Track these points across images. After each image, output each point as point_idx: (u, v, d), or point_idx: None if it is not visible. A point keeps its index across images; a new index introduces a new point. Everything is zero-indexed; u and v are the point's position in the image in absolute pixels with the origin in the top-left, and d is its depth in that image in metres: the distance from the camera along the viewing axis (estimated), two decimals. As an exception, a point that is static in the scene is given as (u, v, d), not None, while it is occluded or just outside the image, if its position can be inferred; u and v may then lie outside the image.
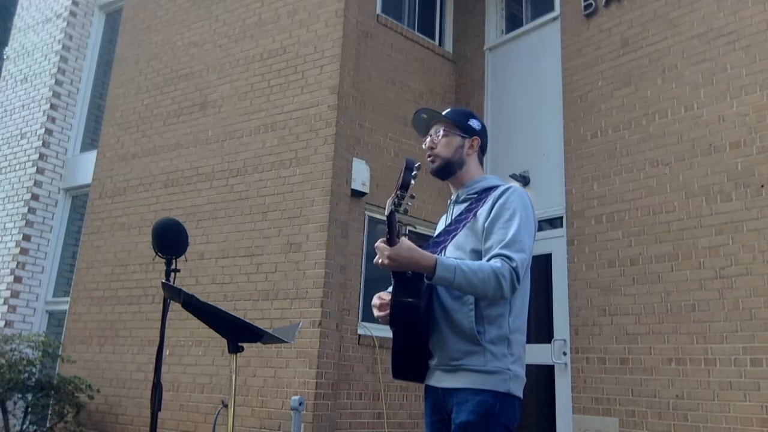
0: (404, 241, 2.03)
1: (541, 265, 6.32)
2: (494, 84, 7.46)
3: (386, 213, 2.01)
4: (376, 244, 2.06)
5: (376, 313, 2.23)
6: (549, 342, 6.08)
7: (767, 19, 5.24)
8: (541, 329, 6.28)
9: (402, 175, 1.96)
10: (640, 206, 5.67)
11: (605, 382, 5.57)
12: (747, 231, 5.00)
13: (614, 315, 5.64)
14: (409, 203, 1.99)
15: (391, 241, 2.01)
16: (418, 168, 1.98)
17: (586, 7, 6.54)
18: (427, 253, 2.03)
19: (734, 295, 4.96)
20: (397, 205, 1.98)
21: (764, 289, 4.82)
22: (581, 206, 6.12)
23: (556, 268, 6.24)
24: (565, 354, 5.94)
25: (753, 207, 5.00)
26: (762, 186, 4.99)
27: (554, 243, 6.32)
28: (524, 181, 6.71)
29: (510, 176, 6.66)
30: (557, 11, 6.93)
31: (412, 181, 1.96)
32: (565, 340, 5.97)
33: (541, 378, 6.09)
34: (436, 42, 7.82)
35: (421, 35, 7.50)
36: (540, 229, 6.38)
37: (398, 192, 1.97)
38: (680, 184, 5.46)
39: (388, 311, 2.16)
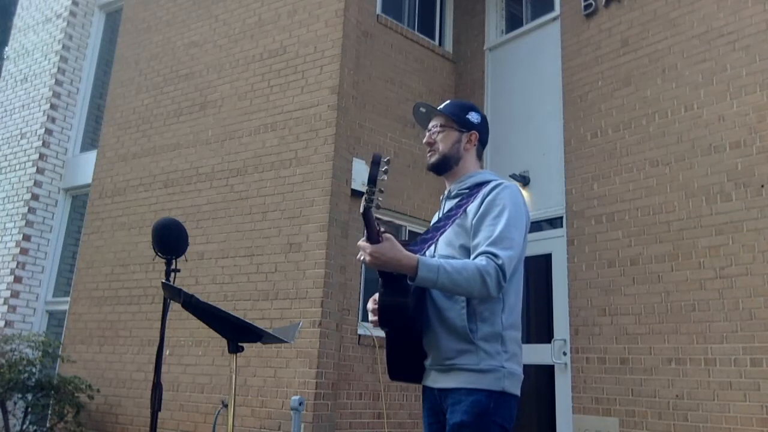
0: (388, 239, 1.98)
1: (541, 265, 6.33)
2: (494, 84, 7.45)
3: (360, 210, 1.95)
4: (358, 243, 2.02)
5: (370, 317, 2.19)
6: (549, 342, 6.08)
7: (767, 19, 5.25)
8: (541, 329, 6.28)
9: (369, 170, 1.93)
10: (640, 206, 5.67)
11: (605, 382, 5.57)
12: (747, 231, 5.00)
13: (614, 315, 5.64)
14: (380, 198, 1.95)
15: (371, 238, 1.96)
16: (387, 162, 1.95)
17: (586, 7, 6.53)
18: (409, 254, 1.97)
19: (734, 295, 4.96)
20: (368, 201, 1.93)
21: (764, 289, 4.82)
22: (581, 206, 6.12)
23: (556, 268, 6.24)
24: (565, 354, 5.94)
25: (753, 207, 5.00)
26: (762, 186, 4.99)
27: (554, 243, 6.32)
28: (524, 181, 6.71)
29: (510, 176, 6.66)
30: (557, 11, 6.93)
31: (383, 177, 1.93)
32: (565, 340, 5.97)
33: (541, 378, 6.09)
34: (436, 42, 7.82)
35: (421, 35, 7.50)
36: (540, 229, 6.45)
37: (367, 188, 1.93)
38: (680, 184, 5.46)
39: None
